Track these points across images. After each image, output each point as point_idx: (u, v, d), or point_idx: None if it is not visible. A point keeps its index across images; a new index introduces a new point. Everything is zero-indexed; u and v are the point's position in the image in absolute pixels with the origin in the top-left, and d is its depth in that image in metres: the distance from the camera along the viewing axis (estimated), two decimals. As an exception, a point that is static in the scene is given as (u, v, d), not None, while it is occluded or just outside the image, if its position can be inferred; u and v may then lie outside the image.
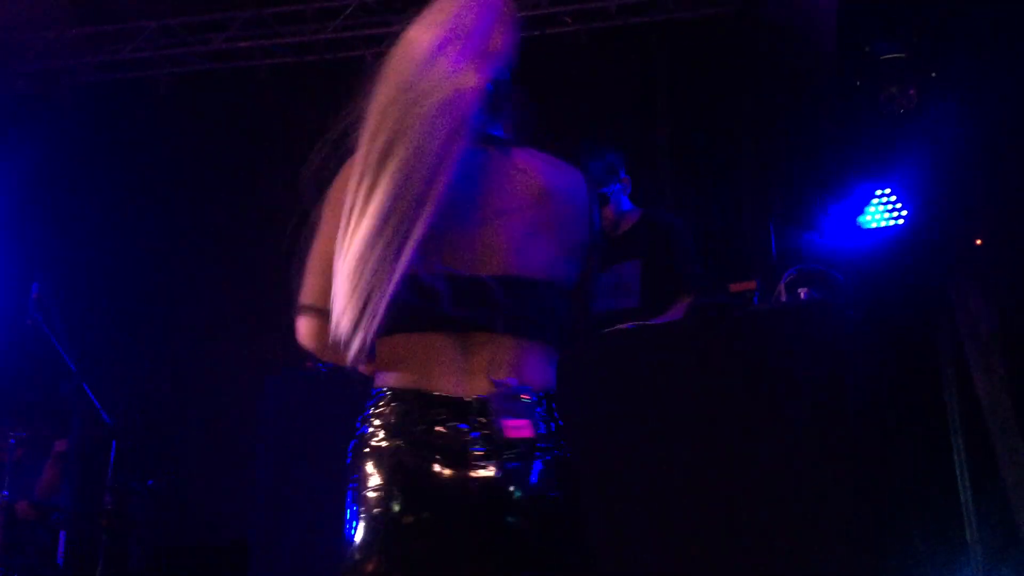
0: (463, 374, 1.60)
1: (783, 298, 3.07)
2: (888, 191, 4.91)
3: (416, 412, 1.60)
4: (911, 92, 3.97)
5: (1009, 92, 3.80)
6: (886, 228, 4.90)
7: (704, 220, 4.97)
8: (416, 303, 1.56)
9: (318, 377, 3.72)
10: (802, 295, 3.03)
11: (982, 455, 3.57)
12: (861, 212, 4.97)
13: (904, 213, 4.93)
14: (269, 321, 5.40)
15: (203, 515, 5.42)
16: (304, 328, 1.73)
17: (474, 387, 1.59)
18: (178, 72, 6.14)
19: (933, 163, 4.14)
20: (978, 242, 4.23)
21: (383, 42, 5.77)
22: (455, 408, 1.58)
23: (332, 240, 1.62)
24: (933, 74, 3.94)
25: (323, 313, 1.63)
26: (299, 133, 6.33)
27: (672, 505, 2.90)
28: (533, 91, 1.80)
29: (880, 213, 5.00)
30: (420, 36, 1.63)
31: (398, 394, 1.62)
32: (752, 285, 3.12)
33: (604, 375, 3.02)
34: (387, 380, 1.65)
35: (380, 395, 1.65)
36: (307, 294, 1.72)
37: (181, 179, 6.03)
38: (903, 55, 3.92)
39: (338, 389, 3.71)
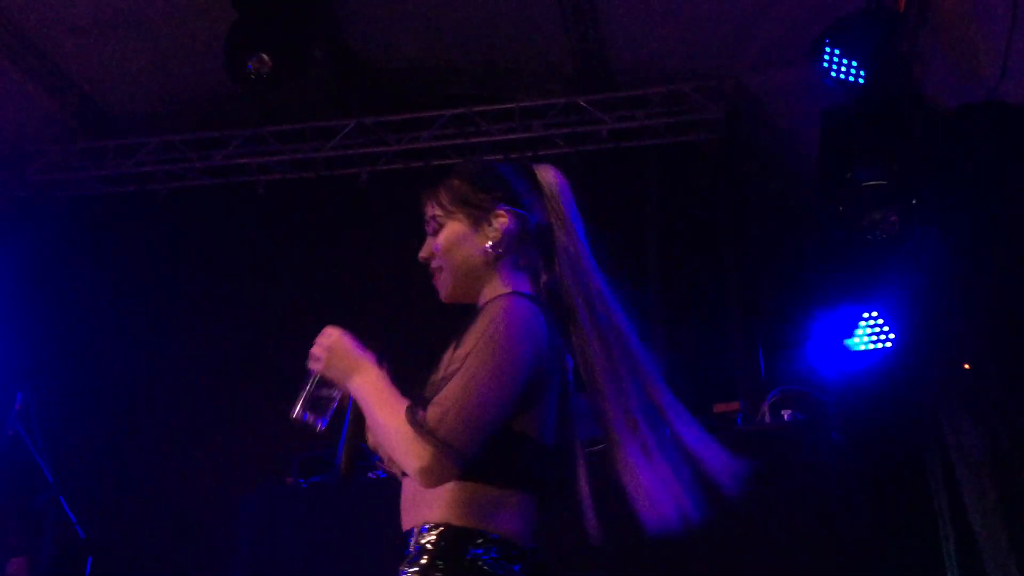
0: None
1: (767, 419, 3.06)
2: (875, 314, 4.93)
3: None
4: (893, 219, 4.04)
5: (987, 217, 3.87)
6: (873, 351, 4.90)
7: (691, 340, 4.98)
8: None
9: (296, 494, 3.68)
10: (786, 416, 3.02)
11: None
12: (848, 335, 4.99)
13: (892, 336, 4.94)
14: (249, 435, 5.39)
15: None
16: (440, 470, 1.59)
17: None
18: (177, 187, 6.25)
19: (918, 288, 4.17)
20: (966, 366, 4.22)
21: (378, 161, 5.93)
22: None
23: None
24: (914, 201, 4.02)
25: (468, 461, 1.58)
26: (293, 247, 6.46)
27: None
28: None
29: (867, 336, 5.02)
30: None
31: None
32: (736, 406, 3.11)
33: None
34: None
35: None
36: (463, 436, 1.59)
37: (171, 293, 6.06)
38: (884, 182, 4.01)
39: (317, 505, 3.67)
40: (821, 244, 4.98)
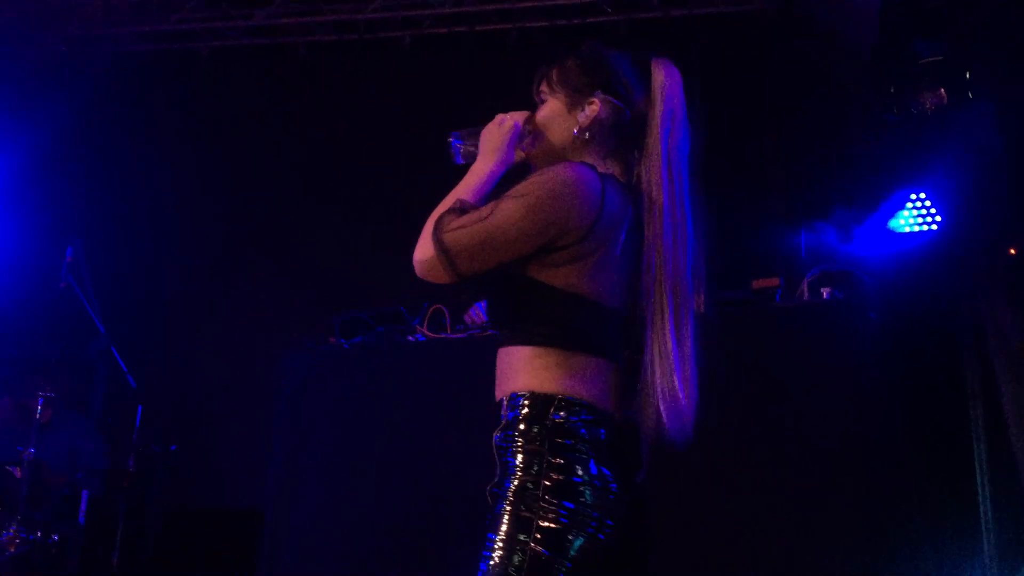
0: None
1: (805, 297, 3.06)
2: (923, 196, 4.85)
3: None
4: (941, 92, 3.91)
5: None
6: (918, 233, 4.84)
7: (733, 215, 4.94)
8: None
9: (337, 352, 3.77)
10: (824, 295, 3.01)
11: (1004, 465, 3.53)
12: (894, 216, 4.92)
13: (938, 219, 4.87)
14: (295, 294, 5.49)
15: (221, 481, 5.50)
16: (432, 268, 1.73)
17: None
18: (219, 46, 6.19)
19: (967, 169, 4.08)
20: (1012, 251, 4.16)
21: (421, 24, 5.81)
22: None
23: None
24: (967, 74, 3.87)
25: (460, 276, 1.71)
26: (333, 111, 6.42)
27: (685, 498, 2.90)
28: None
29: (913, 218, 4.94)
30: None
31: None
32: (775, 282, 3.11)
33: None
34: None
35: None
36: (472, 264, 1.71)
37: (215, 151, 6.08)
38: (940, 57, 3.86)
39: (355, 365, 3.77)
40: (870, 123, 4.85)
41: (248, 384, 5.21)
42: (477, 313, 3.82)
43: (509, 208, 1.69)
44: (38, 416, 4.11)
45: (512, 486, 1.65)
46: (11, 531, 3.91)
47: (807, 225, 4.49)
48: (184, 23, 6.13)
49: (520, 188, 1.72)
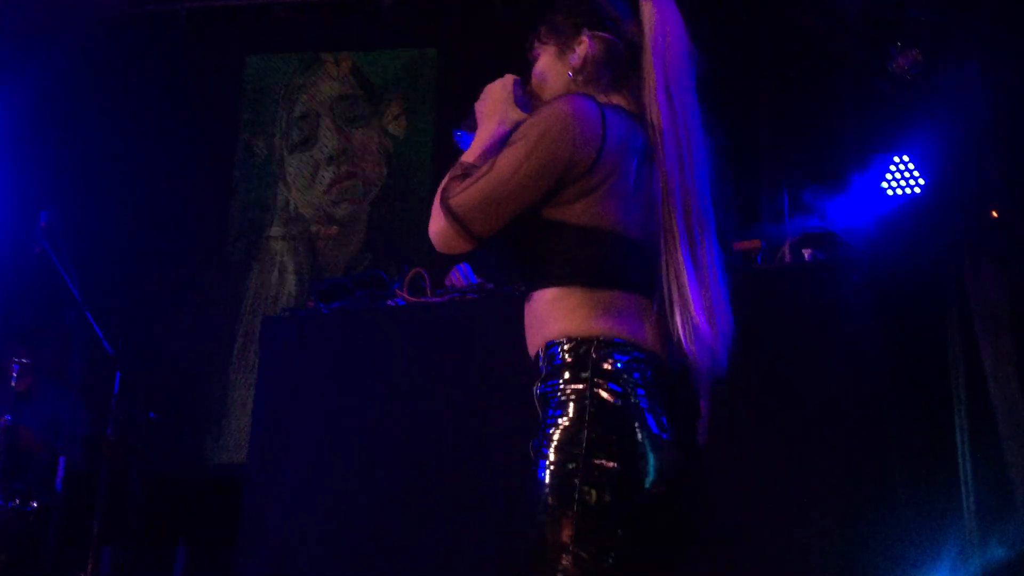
0: None
1: (787, 259, 3.04)
2: (906, 159, 4.83)
3: None
4: (916, 53, 3.88)
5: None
6: (901, 196, 4.83)
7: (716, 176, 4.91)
8: None
9: (317, 318, 3.74)
10: (806, 256, 2.99)
11: (984, 427, 3.54)
12: (878, 178, 4.90)
13: (921, 182, 4.85)
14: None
15: (202, 448, 5.49)
16: (447, 236, 1.67)
17: None
18: (197, 6, 6.09)
19: (951, 131, 4.06)
20: (994, 213, 4.16)
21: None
22: None
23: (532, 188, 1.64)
24: (952, 35, 3.85)
25: (474, 238, 1.65)
26: (310, 69, 6.28)
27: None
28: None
29: (896, 180, 4.93)
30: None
31: None
32: (756, 244, 3.09)
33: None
34: None
35: None
36: (487, 224, 1.65)
37: (190, 113, 6.01)
38: (924, 17, 3.83)
39: (335, 330, 3.74)
40: (856, 87, 4.82)
41: (228, 351, 5.18)
42: (458, 276, 3.79)
43: (508, 156, 1.63)
44: (14, 384, 4.07)
45: (558, 438, 1.57)
46: (-12, 500, 3.89)
47: (790, 188, 4.47)
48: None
49: (516, 133, 1.66)
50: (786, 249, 3.04)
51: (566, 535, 1.53)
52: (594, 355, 1.59)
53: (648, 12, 1.77)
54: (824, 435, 2.83)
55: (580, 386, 1.58)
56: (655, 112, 1.70)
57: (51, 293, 4.28)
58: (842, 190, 4.76)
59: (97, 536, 4.15)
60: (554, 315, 1.65)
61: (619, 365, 1.59)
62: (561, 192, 1.64)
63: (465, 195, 1.64)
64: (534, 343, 1.70)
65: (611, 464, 1.54)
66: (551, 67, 1.81)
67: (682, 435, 1.63)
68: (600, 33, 1.78)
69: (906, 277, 3.62)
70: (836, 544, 2.68)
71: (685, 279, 1.64)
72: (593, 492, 1.53)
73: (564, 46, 1.80)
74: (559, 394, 1.59)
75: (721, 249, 1.72)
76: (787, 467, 2.83)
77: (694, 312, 1.64)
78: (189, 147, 5.93)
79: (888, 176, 4.94)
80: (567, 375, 1.60)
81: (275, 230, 5.88)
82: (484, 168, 1.65)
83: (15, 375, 4.06)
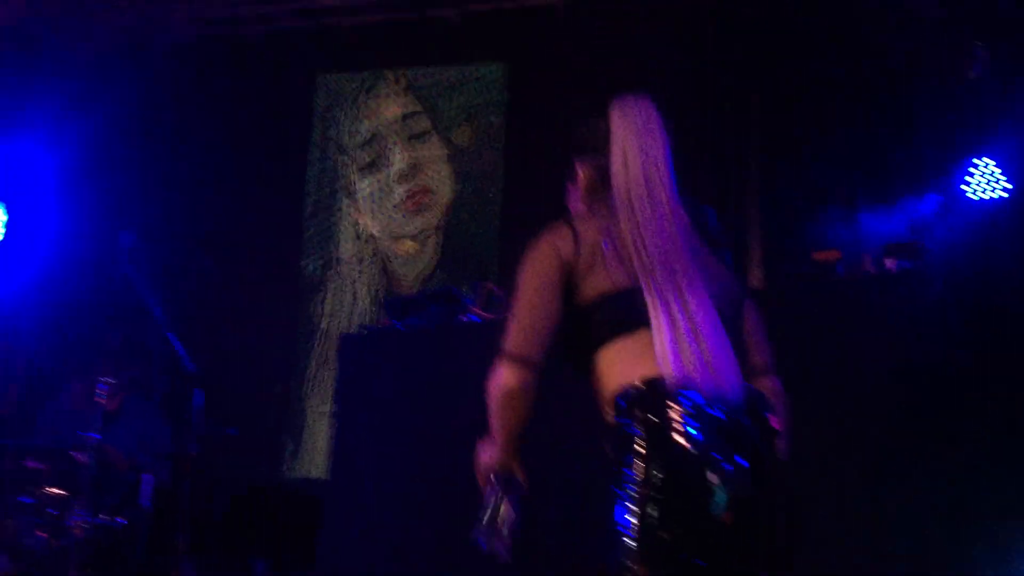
0: None
1: (869, 268, 2.96)
2: (991, 162, 4.70)
3: None
4: (981, 53, 3.76)
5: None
6: (987, 200, 4.69)
7: (791, 185, 4.84)
8: None
9: (392, 334, 3.77)
10: (888, 266, 2.92)
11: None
12: (959, 182, 4.77)
13: (1007, 185, 4.71)
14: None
15: (279, 463, 5.57)
16: (510, 378, 1.93)
17: None
18: (267, 30, 6.21)
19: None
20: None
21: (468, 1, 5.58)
22: None
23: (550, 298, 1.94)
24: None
25: (531, 365, 1.92)
26: (374, 88, 6.35)
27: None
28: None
29: (980, 184, 4.79)
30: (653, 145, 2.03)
31: None
32: (836, 254, 3.02)
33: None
34: None
35: None
36: (519, 345, 1.93)
37: (266, 135, 6.13)
38: (1006, 16, 3.71)
39: (410, 347, 3.76)
40: (935, 89, 4.70)
41: (303, 367, 5.25)
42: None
43: (515, 296, 1.95)
44: (103, 402, 4.17)
45: (628, 479, 1.73)
46: (78, 516, 3.98)
47: (869, 197, 4.37)
48: (235, 7, 6.16)
49: (518, 272, 1.98)
50: (868, 258, 2.96)
51: (643, 572, 1.68)
52: (625, 403, 1.79)
53: (613, 127, 2.03)
54: (906, 449, 2.75)
55: (620, 434, 1.77)
56: (615, 185, 1.98)
57: (134, 313, 4.39)
58: (921, 194, 4.64)
59: (180, 549, 4.24)
60: (599, 381, 1.89)
61: (671, 403, 1.74)
62: (573, 288, 1.93)
63: (505, 338, 1.92)
64: (603, 409, 1.89)
65: (678, 499, 1.68)
66: (572, 197, 2.15)
67: (746, 460, 1.72)
68: (587, 159, 2.08)
69: (992, 285, 3.51)
70: (940, 545, 2.60)
71: (661, 318, 1.82)
72: (665, 531, 1.67)
73: (572, 176, 2.13)
74: (625, 438, 1.76)
75: (705, 284, 1.89)
76: (867, 480, 2.76)
77: (668, 352, 1.81)
78: (262, 168, 6.05)
79: (970, 179, 4.81)
80: (611, 425, 1.80)
81: (347, 248, 5.95)
82: (511, 315, 1.96)
83: (102, 395, 4.16)
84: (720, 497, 1.68)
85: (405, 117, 6.04)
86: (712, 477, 1.69)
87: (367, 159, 6.06)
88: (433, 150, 5.96)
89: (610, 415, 1.82)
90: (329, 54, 6.16)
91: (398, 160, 6.01)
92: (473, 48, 5.99)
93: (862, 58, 5.08)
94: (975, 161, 4.76)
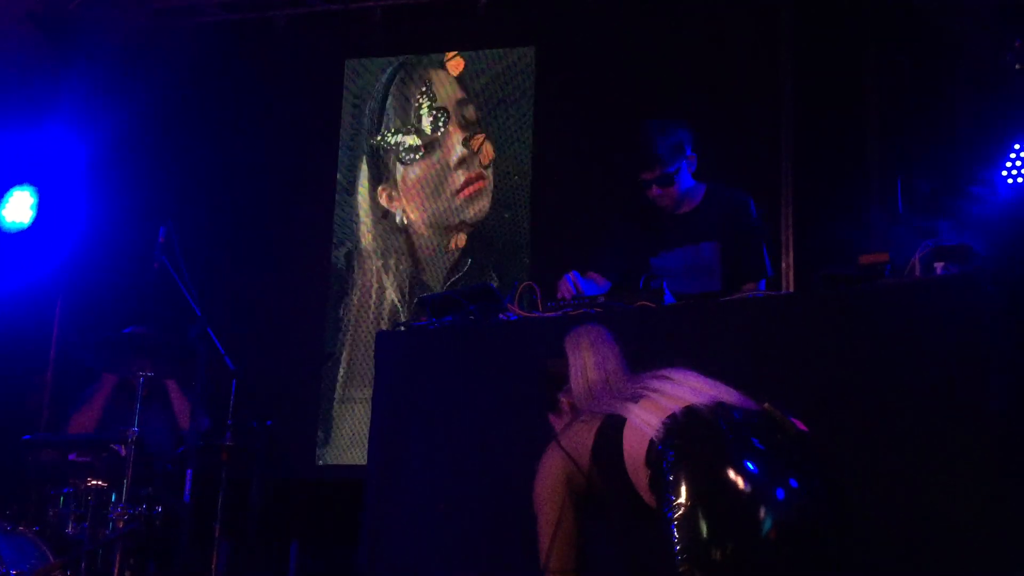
0: None
1: (917, 272, 2.93)
2: (1032, 148, 4.62)
3: None
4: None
5: None
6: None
7: (828, 184, 4.80)
8: None
9: (429, 332, 3.77)
10: (938, 270, 2.88)
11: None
12: (998, 167, 4.70)
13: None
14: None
15: (311, 453, 5.61)
16: None
17: None
18: (295, 13, 6.17)
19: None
20: None
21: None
22: None
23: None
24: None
25: (575, 572, 2.26)
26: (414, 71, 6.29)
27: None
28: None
29: (1018, 169, 4.72)
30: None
31: None
32: (884, 257, 2.98)
33: (728, 345, 2.96)
34: None
35: None
36: (557, 561, 2.27)
37: (292, 120, 6.10)
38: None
39: (447, 344, 3.77)
40: (975, 74, 4.62)
41: (334, 358, 5.26)
42: (567, 286, 3.77)
43: (539, 517, 2.35)
44: (141, 395, 4.21)
45: (676, 497, 1.97)
46: (119, 508, 4.04)
47: (913, 194, 4.32)
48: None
49: (534, 496, 2.39)
50: (916, 261, 2.93)
51: None
52: (687, 426, 2.03)
53: (568, 346, 2.61)
54: (959, 455, 2.72)
55: (684, 453, 1.95)
56: (578, 395, 2.51)
57: (172, 307, 4.41)
58: (959, 182, 4.58)
59: (218, 537, 4.30)
60: (633, 459, 2.17)
61: (710, 427, 1.97)
62: (583, 475, 2.31)
63: (544, 555, 2.27)
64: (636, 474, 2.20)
65: (727, 517, 1.83)
66: (556, 421, 2.67)
67: (793, 479, 1.88)
68: (565, 389, 2.59)
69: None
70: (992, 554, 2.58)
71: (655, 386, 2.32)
72: (718, 547, 1.82)
73: (556, 408, 2.67)
74: (669, 466, 1.96)
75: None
76: (917, 493, 2.74)
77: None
78: (292, 156, 6.03)
79: (1008, 164, 4.73)
80: (672, 450, 2.00)
81: (375, 237, 5.93)
82: (540, 534, 2.34)
83: (141, 388, 4.20)
84: (765, 513, 1.80)
85: (460, 103, 5.96)
86: (755, 492, 1.84)
87: (416, 143, 5.98)
88: (479, 139, 5.90)
89: (647, 475, 2.10)
90: (359, 38, 6.11)
91: (457, 146, 5.92)
92: (501, 33, 5.92)
93: (898, 36, 5.00)
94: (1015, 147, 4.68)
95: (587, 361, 2.48)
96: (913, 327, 2.80)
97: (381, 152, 6.04)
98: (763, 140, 5.13)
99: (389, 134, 6.04)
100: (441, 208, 5.86)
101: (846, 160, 4.91)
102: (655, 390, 2.21)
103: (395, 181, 5.99)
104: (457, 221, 5.82)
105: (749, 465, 1.89)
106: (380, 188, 6.01)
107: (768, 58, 5.27)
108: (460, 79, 5.97)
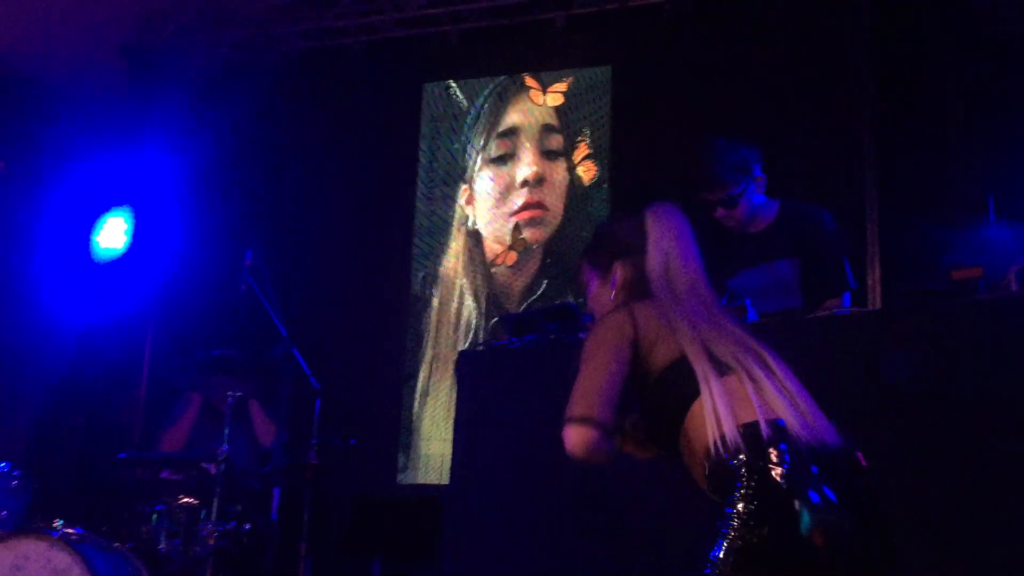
0: None
1: (1013, 288, 2.85)
2: None
3: None
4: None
5: None
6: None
7: (915, 195, 4.69)
8: None
9: (509, 351, 3.79)
10: (1033, 285, 2.80)
11: None
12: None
13: None
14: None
15: (393, 471, 5.67)
16: (576, 437, 2.06)
17: None
18: (370, 40, 6.29)
19: None
20: None
21: (572, 5, 5.59)
22: None
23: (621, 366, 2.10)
24: None
25: (597, 424, 2.04)
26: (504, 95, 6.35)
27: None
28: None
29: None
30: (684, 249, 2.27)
31: None
32: (978, 272, 2.90)
33: (814, 360, 2.91)
34: None
35: None
36: (583, 407, 2.07)
37: (371, 144, 6.21)
38: None
39: (526, 363, 3.78)
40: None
41: (415, 377, 5.30)
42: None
43: (583, 368, 2.13)
44: (228, 415, 4.31)
45: (730, 521, 1.88)
46: (210, 525, 4.14)
47: (1004, 207, 4.19)
48: (340, 19, 6.25)
49: (582, 354, 2.17)
50: (1012, 277, 2.84)
51: None
52: (716, 462, 1.92)
53: (652, 220, 2.28)
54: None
55: (743, 471, 1.88)
56: (658, 286, 2.20)
57: (257, 328, 4.52)
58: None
59: (303, 553, 4.38)
60: (692, 463, 2.04)
61: (772, 447, 1.88)
62: (639, 361, 2.10)
63: (571, 403, 2.07)
64: (695, 464, 2.03)
65: (775, 531, 1.81)
66: (599, 295, 2.37)
67: (836, 493, 1.84)
68: (627, 260, 2.30)
69: None
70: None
71: (741, 373, 2.04)
72: (763, 558, 1.81)
73: (604, 276, 2.35)
74: (731, 479, 1.90)
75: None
76: (1010, 513, 2.66)
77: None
78: (372, 178, 6.13)
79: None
80: (733, 463, 1.91)
81: (453, 257, 5.99)
82: (576, 384, 2.11)
83: (229, 409, 4.31)
84: (806, 522, 1.79)
85: (545, 128, 6.00)
86: (803, 509, 1.81)
87: (499, 151, 6.02)
88: (559, 172, 5.92)
89: (705, 466, 1.96)
90: (436, 61, 6.19)
91: (526, 165, 5.97)
92: (580, 51, 5.94)
93: (983, 55, 4.88)
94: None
95: (673, 248, 2.21)
96: (1010, 344, 2.72)
97: (468, 151, 6.09)
98: (845, 154, 5.05)
99: (476, 135, 6.09)
100: (497, 221, 5.91)
101: (930, 171, 4.79)
102: (748, 371, 2.00)
103: (472, 179, 6.05)
104: (509, 240, 5.86)
105: (818, 501, 1.84)
106: (462, 187, 6.07)
107: (847, 70, 5.19)
108: (557, 109, 6.00)
